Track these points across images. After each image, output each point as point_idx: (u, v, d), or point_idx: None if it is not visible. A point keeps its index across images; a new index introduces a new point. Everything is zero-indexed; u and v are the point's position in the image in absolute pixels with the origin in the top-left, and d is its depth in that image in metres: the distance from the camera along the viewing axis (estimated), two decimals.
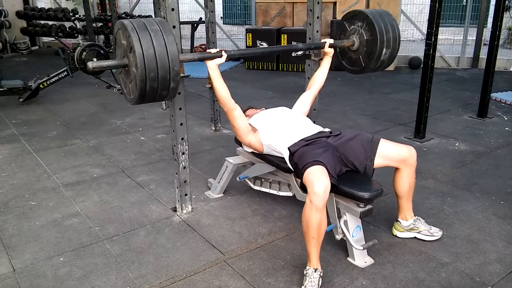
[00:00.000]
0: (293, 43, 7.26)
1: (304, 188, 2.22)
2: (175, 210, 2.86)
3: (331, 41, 2.70)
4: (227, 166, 2.98)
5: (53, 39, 9.59)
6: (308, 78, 3.34)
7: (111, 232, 2.63)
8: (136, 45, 1.77)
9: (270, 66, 7.59)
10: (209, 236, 2.56)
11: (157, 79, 1.83)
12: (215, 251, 2.42)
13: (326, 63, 2.81)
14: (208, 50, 2.33)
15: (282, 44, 7.35)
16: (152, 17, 8.57)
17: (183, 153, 2.69)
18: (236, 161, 2.95)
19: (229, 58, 2.42)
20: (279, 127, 2.55)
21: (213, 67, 2.36)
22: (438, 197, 2.98)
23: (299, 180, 2.53)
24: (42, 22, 9.52)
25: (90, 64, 1.81)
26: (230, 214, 2.82)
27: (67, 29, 9.24)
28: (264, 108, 2.94)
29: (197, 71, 6.79)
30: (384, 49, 2.51)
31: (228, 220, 2.74)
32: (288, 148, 2.40)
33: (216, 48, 2.37)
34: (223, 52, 2.30)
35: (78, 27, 9.28)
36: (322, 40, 2.71)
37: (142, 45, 1.78)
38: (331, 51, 2.73)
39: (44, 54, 9.86)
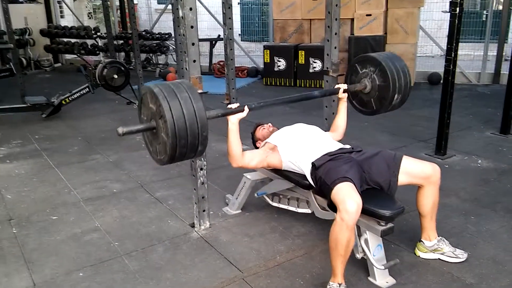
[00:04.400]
0: (311, 59, 7.31)
1: (331, 206, 2.19)
2: (193, 226, 2.85)
3: (345, 86, 2.72)
4: (245, 182, 2.97)
5: (75, 56, 9.80)
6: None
7: (129, 247, 2.63)
8: (167, 115, 1.81)
9: (288, 82, 7.60)
10: (227, 253, 2.54)
11: (186, 145, 1.90)
12: (233, 268, 2.40)
13: (343, 108, 2.81)
14: (229, 106, 2.34)
15: (299, 62, 7.41)
16: (171, 35, 8.79)
17: (201, 169, 2.70)
18: (254, 177, 2.94)
19: (249, 111, 2.37)
20: (301, 143, 2.54)
21: (235, 122, 2.35)
22: (461, 216, 2.91)
23: (318, 197, 2.51)
24: (65, 40, 9.75)
25: (120, 130, 1.90)
26: (248, 230, 2.80)
27: (89, 47, 9.46)
28: (271, 124, 2.94)
29: (215, 88, 6.86)
30: (396, 95, 2.57)
31: (246, 237, 2.72)
32: (313, 162, 2.38)
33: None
34: (245, 107, 2.32)
35: (99, 44, 9.48)
36: (336, 86, 2.74)
37: (173, 115, 1.82)
38: (345, 96, 2.75)
39: (67, 71, 10.09)
